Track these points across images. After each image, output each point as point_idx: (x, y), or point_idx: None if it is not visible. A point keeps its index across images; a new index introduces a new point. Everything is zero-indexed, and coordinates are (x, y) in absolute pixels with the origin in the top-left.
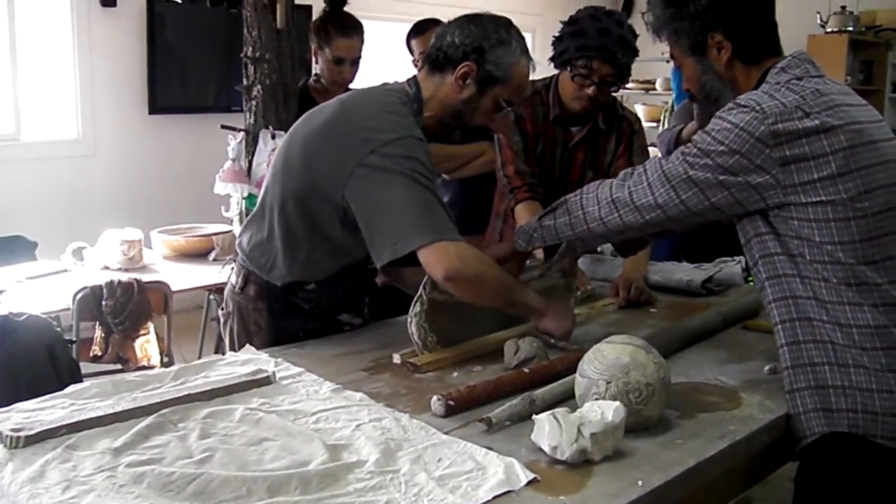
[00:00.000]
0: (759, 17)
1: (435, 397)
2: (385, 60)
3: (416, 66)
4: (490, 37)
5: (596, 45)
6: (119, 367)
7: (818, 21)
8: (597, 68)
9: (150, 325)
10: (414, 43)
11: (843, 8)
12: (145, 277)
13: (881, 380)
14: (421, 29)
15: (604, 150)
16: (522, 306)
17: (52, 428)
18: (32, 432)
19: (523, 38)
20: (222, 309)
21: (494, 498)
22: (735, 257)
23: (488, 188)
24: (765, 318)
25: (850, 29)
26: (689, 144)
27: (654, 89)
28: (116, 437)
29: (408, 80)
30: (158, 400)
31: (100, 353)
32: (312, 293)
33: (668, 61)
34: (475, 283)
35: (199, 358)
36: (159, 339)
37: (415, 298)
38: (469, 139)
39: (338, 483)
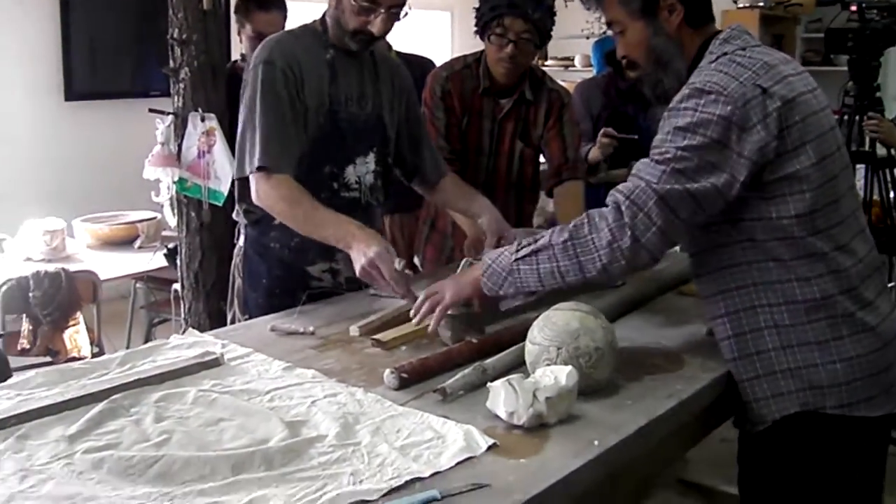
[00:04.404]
0: None
1: (388, 371)
2: None
3: None
4: None
5: (506, 2)
6: (49, 359)
7: None
8: (509, 25)
9: (80, 316)
10: None
11: None
12: (71, 267)
13: (824, 351)
14: None
15: (534, 122)
16: (336, 244)
17: (1, 419)
18: None
19: None
20: None
21: (457, 464)
22: None
23: None
24: (694, 287)
25: (761, 4)
26: (662, 148)
27: (574, 66)
28: (69, 424)
29: None
30: (108, 386)
31: (28, 346)
32: (280, 228)
33: (587, 37)
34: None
35: (128, 348)
36: (88, 330)
37: None
38: None
39: (300, 458)
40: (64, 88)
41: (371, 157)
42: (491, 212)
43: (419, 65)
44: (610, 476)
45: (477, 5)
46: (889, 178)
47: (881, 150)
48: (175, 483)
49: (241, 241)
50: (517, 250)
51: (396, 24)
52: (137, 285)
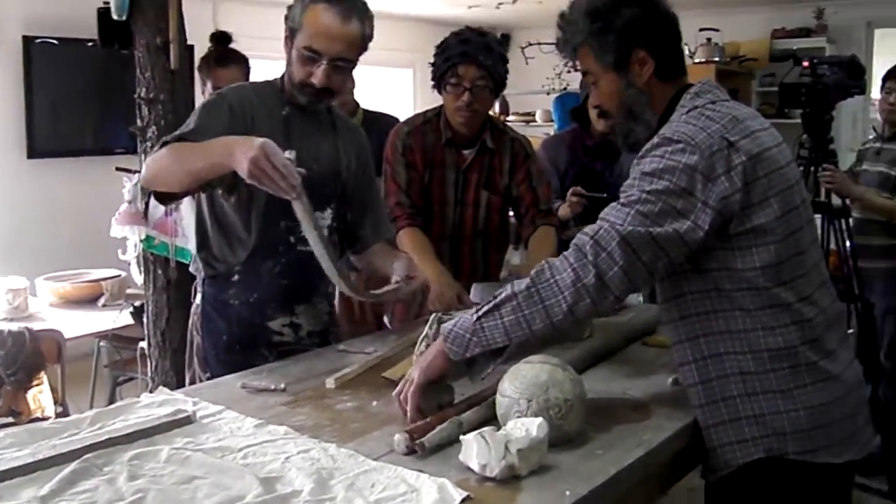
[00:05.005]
0: (675, 36)
1: (398, 436)
2: None
3: None
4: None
5: (458, 52)
6: (11, 420)
7: (687, 52)
8: (463, 73)
9: (44, 376)
10: None
11: (709, 40)
12: (34, 326)
13: (787, 400)
14: None
15: (499, 170)
16: (216, 166)
17: None
18: None
19: None
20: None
21: None
22: None
23: None
24: (663, 334)
25: (717, 59)
26: (629, 192)
27: (535, 121)
28: (41, 485)
29: None
30: (80, 445)
31: None
32: (238, 286)
33: (548, 93)
34: (160, 183)
35: (91, 408)
36: (52, 390)
37: (421, 336)
38: None
39: None
40: (27, 146)
41: (328, 213)
42: (405, 259)
43: (386, 122)
44: None
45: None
46: (844, 228)
47: (836, 201)
48: None
49: (198, 299)
50: (478, 310)
51: (340, 77)
52: (101, 344)
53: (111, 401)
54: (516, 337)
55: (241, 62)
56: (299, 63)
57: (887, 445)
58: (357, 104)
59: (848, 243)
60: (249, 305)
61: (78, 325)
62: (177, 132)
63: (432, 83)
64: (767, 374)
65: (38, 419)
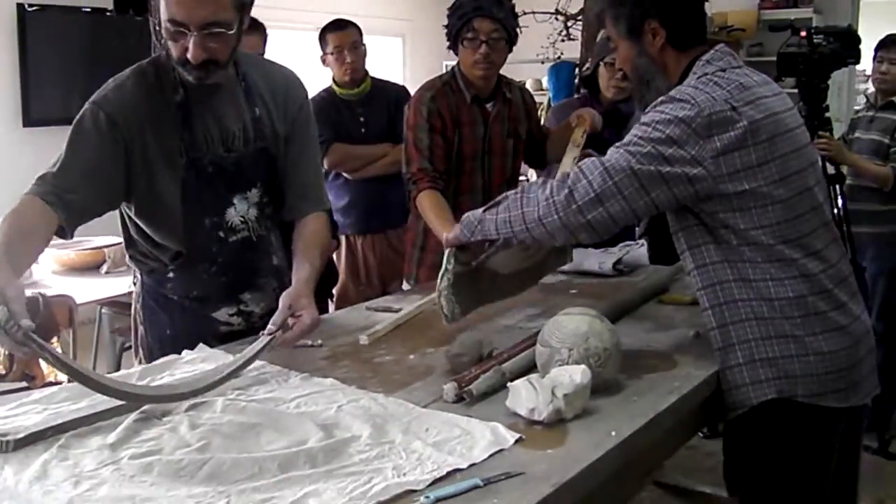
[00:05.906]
0: (692, 8)
1: (447, 384)
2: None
3: (323, 62)
4: None
5: (472, 7)
6: (25, 384)
7: None
8: (478, 27)
9: (56, 341)
10: (330, 37)
11: None
12: (45, 293)
13: (800, 345)
14: (341, 25)
15: (517, 118)
16: None
17: (40, 430)
18: (20, 436)
19: None
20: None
21: (489, 456)
22: (638, 241)
23: (391, 188)
24: (676, 291)
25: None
26: (625, 139)
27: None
28: (106, 434)
29: None
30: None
31: (4, 372)
32: (176, 282)
33: (542, 62)
34: None
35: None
36: (63, 355)
37: (441, 273)
38: (374, 141)
39: (341, 456)
40: (22, 114)
41: (254, 192)
42: (296, 284)
43: (392, 90)
44: (625, 463)
45: (426, 34)
46: (839, 193)
47: (830, 168)
48: (228, 482)
49: (138, 287)
50: (489, 204)
51: (220, 45)
52: (103, 311)
53: (117, 366)
54: (503, 233)
55: (259, 30)
56: (170, 39)
57: (878, 404)
58: (366, 73)
59: (841, 204)
60: (191, 299)
61: (84, 291)
62: (46, 170)
63: (447, 43)
64: (781, 320)
65: (51, 384)
